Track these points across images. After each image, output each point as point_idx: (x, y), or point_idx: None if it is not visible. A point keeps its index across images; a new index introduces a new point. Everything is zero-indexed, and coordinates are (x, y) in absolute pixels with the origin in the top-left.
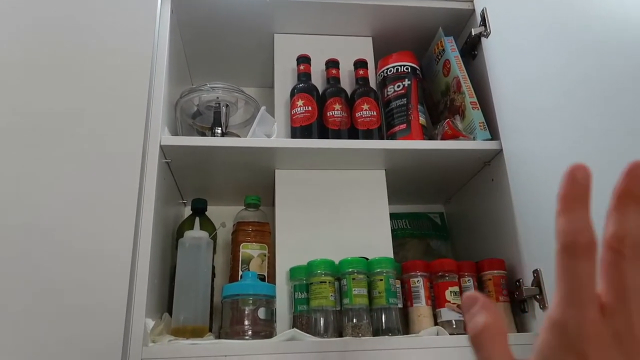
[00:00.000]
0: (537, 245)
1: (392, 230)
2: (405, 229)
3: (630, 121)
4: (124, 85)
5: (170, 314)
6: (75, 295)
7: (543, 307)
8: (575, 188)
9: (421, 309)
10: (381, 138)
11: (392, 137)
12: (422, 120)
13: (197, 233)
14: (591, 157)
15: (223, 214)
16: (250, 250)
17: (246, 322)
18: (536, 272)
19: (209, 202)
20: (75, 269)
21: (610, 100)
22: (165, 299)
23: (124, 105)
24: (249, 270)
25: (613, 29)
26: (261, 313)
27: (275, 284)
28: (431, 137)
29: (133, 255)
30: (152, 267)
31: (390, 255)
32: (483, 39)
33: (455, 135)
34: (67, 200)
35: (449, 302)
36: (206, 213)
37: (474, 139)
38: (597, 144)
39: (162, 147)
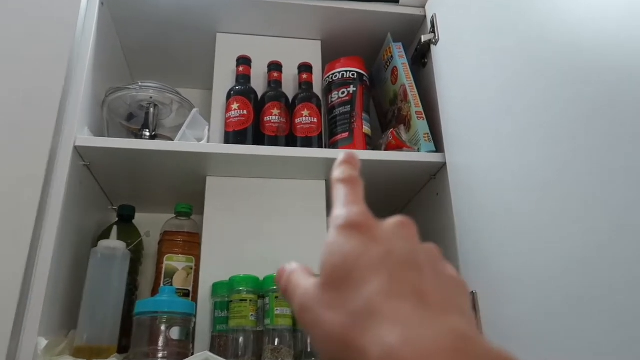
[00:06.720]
0: (474, 267)
1: None
2: None
3: (572, 134)
4: (35, 76)
5: None
6: None
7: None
8: (352, 161)
9: None
10: (322, 146)
11: (334, 145)
12: (366, 129)
13: (112, 243)
14: (533, 171)
15: (155, 222)
16: (175, 262)
17: (159, 343)
18: (472, 295)
19: (140, 209)
20: None
21: (553, 114)
22: (76, 315)
23: (32, 98)
24: (171, 284)
25: (560, 44)
26: (174, 333)
27: (198, 299)
28: (376, 148)
29: (28, 265)
30: (54, 279)
31: None
32: (432, 47)
33: (399, 146)
34: None
35: None
36: (134, 221)
37: (418, 150)
38: (537, 161)
39: (76, 148)
